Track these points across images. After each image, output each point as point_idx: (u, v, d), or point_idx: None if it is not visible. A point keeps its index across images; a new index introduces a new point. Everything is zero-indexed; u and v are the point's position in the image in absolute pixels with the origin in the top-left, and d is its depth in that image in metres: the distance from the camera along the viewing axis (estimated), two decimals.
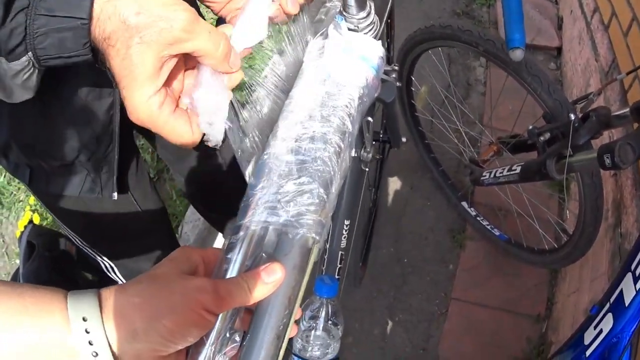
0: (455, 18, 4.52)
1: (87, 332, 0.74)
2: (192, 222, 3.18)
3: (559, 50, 4.10)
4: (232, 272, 0.85)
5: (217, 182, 2.31)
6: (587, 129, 1.96)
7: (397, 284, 3.15)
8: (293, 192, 0.87)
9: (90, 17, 0.79)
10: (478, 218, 3.19)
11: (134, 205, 1.86)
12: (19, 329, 0.73)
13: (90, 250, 1.99)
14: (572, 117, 1.99)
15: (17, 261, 2.52)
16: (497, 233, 3.08)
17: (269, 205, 0.86)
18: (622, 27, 2.81)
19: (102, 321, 0.75)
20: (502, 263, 3.15)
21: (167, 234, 2.20)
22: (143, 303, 0.76)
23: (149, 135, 2.09)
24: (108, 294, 0.78)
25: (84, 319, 0.74)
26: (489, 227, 3.13)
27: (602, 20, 3.17)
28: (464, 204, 3.26)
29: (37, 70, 0.86)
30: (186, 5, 0.82)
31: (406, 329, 3.00)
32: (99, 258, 2.02)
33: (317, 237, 0.87)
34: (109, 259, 2.03)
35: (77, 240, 1.94)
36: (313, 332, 1.45)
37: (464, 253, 3.22)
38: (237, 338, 0.83)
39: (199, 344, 0.80)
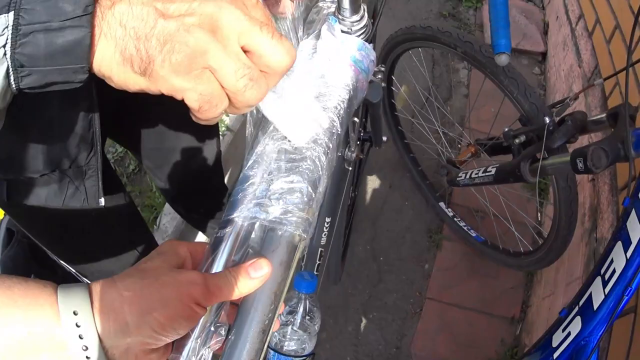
0: (441, 20, 4.54)
1: (78, 326, 0.74)
2: (170, 214, 3.17)
3: (544, 55, 4.12)
4: (219, 266, 0.86)
5: (198, 185, 2.31)
6: (562, 132, 1.97)
7: (372, 282, 3.16)
8: (282, 190, 0.88)
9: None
10: (455, 219, 3.20)
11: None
12: (8, 322, 0.73)
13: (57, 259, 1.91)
14: (547, 120, 2.00)
15: None
16: (474, 234, 3.10)
17: (258, 201, 0.87)
18: (605, 34, 2.83)
19: (93, 315, 0.75)
20: (478, 264, 3.16)
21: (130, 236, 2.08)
22: (134, 297, 0.77)
23: (129, 142, 2.08)
24: (98, 287, 0.78)
25: (75, 313, 0.74)
26: (465, 228, 3.14)
27: (586, 26, 3.19)
28: (442, 204, 3.27)
29: (6, 68, 0.69)
30: None
31: (380, 326, 3.01)
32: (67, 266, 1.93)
33: (304, 235, 0.88)
34: (67, 262, 1.94)
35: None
36: (290, 327, 1.45)
37: (440, 253, 3.24)
38: (223, 332, 0.84)
39: (184, 337, 0.81)
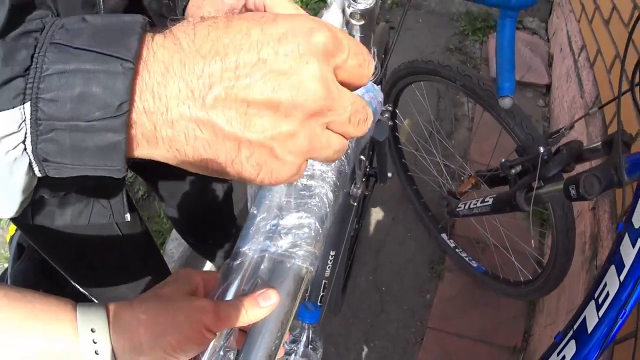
0: (448, 54, 4.57)
1: (95, 342, 0.78)
2: (177, 240, 3.21)
3: (548, 87, 4.14)
4: (230, 294, 0.89)
5: (209, 217, 2.33)
6: (556, 161, 1.99)
7: (374, 312, 3.17)
8: (292, 225, 0.91)
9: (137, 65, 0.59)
10: (457, 250, 3.22)
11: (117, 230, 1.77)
12: (28, 335, 0.76)
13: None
14: (542, 149, 2.02)
15: (6, 265, 2.53)
16: (475, 265, 3.11)
17: (268, 235, 0.91)
18: (605, 64, 2.86)
19: (109, 333, 0.79)
20: (479, 295, 3.16)
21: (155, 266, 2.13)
22: (149, 320, 0.81)
23: (142, 168, 2.11)
24: (116, 308, 0.82)
25: (92, 330, 0.79)
26: (467, 258, 3.16)
27: (588, 57, 3.21)
28: (444, 235, 3.29)
29: (28, 164, 0.60)
30: None
31: (382, 355, 3.01)
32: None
33: (311, 268, 0.91)
34: (80, 285, 1.96)
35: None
36: (293, 355, 1.47)
37: (442, 284, 3.24)
38: (231, 356, 0.88)
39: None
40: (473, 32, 4.75)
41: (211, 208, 2.30)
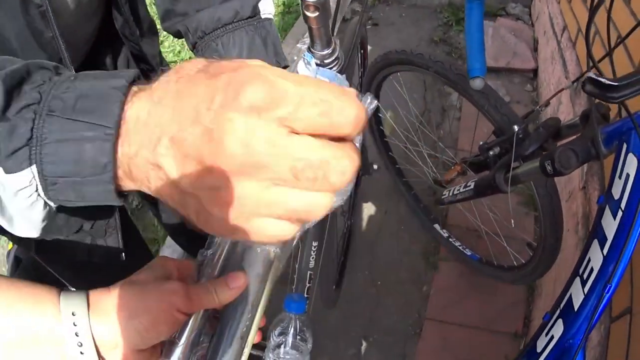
0: (432, 45, 4.57)
1: (75, 325, 0.82)
2: (171, 247, 3.24)
3: (535, 71, 4.15)
4: (204, 280, 0.92)
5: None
6: (533, 139, 1.99)
7: (371, 306, 3.17)
8: None
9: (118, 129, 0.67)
10: (450, 239, 3.22)
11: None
12: (13, 315, 0.80)
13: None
14: (516, 128, 2.02)
15: None
16: (469, 253, 3.11)
17: None
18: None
19: (89, 317, 0.83)
20: (476, 283, 3.16)
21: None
22: (122, 303, 0.84)
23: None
24: (96, 294, 0.86)
25: (73, 314, 0.82)
26: (461, 247, 3.15)
27: (570, 37, 3.23)
28: (437, 226, 3.29)
29: (44, 202, 0.74)
30: None
31: (381, 349, 3.01)
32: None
33: (278, 251, 0.93)
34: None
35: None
36: (282, 347, 1.48)
37: (437, 274, 3.25)
38: (207, 340, 0.91)
39: (172, 344, 0.88)
40: (457, 23, 4.77)
41: None
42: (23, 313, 0.81)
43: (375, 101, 1.09)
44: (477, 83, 1.72)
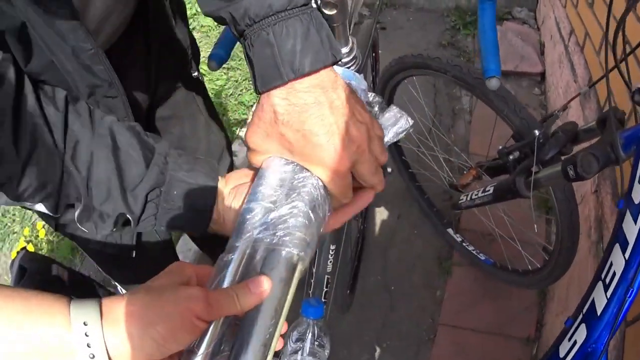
0: (441, 49, 4.57)
1: (87, 335, 0.79)
2: (182, 253, 3.24)
3: (543, 75, 4.14)
4: (224, 286, 0.89)
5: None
6: (552, 144, 1.98)
7: (385, 311, 3.16)
8: (283, 215, 0.93)
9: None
10: (464, 244, 3.20)
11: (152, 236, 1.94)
12: (22, 328, 0.78)
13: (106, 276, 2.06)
14: (537, 133, 2.01)
15: None
16: (483, 258, 3.09)
17: (262, 227, 0.92)
18: (594, 46, 2.87)
19: (102, 326, 0.80)
20: (489, 287, 3.15)
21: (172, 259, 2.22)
22: (138, 311, 0.81)
23: None
24: (109, 302, 0.83)
25: (85, 323, 0.79)
26: (475, 252, 3.14)
27: (577, 41, 3.22)
28: (450, 230, 3.28)
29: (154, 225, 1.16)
30: None
31: (395, 354, 3.00)
32: (114, 284, 2.15)
33: (302, 254, 0.91)
34: (120, 283, 2.14)
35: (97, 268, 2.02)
36: (300, 354, 1.46)
37: (451, 279, 3.23)
38: (227, 348, 0.86)
39: (191, 353, 0.84)
40: (464, 27, 4.76)
41: None
42: (29, 324, 0.79)
43: (411, 121, 1.11)
44: (493, 83, 1.71)
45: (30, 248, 3.78)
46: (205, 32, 5.08)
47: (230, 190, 1.13)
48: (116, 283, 2.15)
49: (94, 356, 0.79)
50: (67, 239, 3.88)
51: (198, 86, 1.92)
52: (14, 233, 4.17)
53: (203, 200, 1.11)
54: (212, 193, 1.11)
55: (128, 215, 1.12)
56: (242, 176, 1.15)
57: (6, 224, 4.25)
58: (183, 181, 1.12)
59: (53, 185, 1.07)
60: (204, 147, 2.06)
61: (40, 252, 3.62)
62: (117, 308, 0.82)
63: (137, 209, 1.10)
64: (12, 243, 4.11)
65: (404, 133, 1.25)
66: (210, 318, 0.84)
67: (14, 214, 4.29)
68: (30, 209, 1.32)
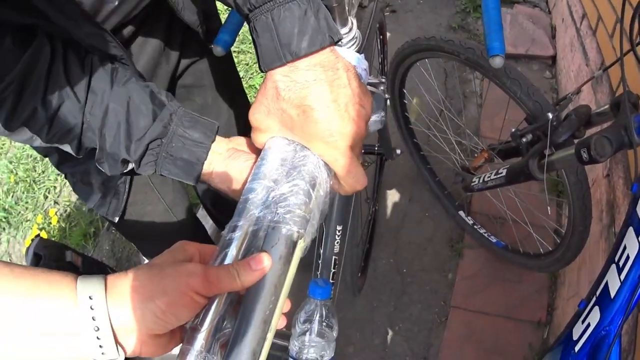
0: (451, 32, 4.56)
1: (92, 309, 0.82)
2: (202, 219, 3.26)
3: (554, 58, 4.12)
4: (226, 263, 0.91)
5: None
6: (566, 126, 1.98)
7: (397, 294, 3.17)
8: (284, 193, 0.95)
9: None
10: (475, 226, 3.20)
11: (169, 214, 2.05)
12: (30, 301, 0.80)
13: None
14: (550, 115, 2.01)
15: None
16: (494, 240, 3.10)
17: (264, 206, 0.94)
18: (607, 30, 2.85)
19: (106, 300, 0.83)
20: (501, 270, 3.15)
21: (196, 233, 2.35)
22: (139, 286, 0.84)
23: None
24: (113, 278, 0.86)
25: (90, 297, 0.82)
26: (486, 235, 3.14)
27: (590, 25, 3.20)
28: (462, 213, 3.28)
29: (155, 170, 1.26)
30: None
31: (407, 338, 3.01)
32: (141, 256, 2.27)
33: (302, 231, 0.94)
34: (144, 255, 2.30)
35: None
36: (308, 334, 1.47)
37: (462, 262, 3.24)
38: (230, 325, 0.89)
39: (194, 330, 0.86)
40: (474, 9, 4.73)
41: None
42: (37, 298, 0.81)
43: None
44: (497, 61, 1.70)
45: (44, 235, 3.79)
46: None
47: (228, 149, 1.22)
48: (144, 257, 2.27)
49: (98, 329, 0.82)
50: (79, 225, 3.92)
51: (224, 58, 1.93)
52: (27, 221, 4.19)
53: (195, 154, 1.21)
54: (204, 149, 1.21)
55: (130, 160, 1.25)
56: (243, 143, 1.24)
57: (19, 212, 4.27)
58: (182, 136, 1.22)
59: (75, 132, 1.23)
60: (224, 120, 2.11)
61: (53, 239, 3.64)
62: (120, 283, 0.85)
63: (137, 155, 1.22)
64: (25, 231, 4.14)
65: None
66: (208, 293, 0.86)
67: (26, 202, 4.32)
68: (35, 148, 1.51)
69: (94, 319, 0.82)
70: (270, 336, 0.89)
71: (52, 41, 1.20)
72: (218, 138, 1.25)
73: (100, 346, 0.83)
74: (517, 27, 4.34)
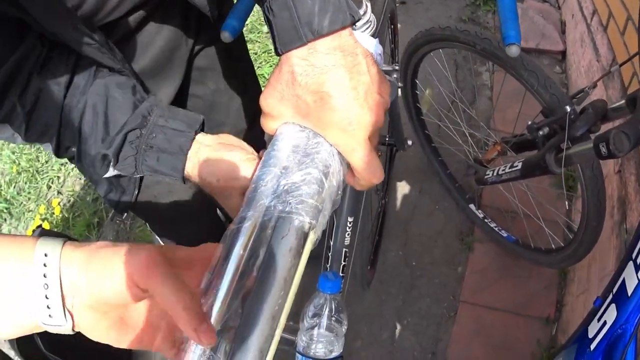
0: (461, 24, 4.54)
1: (45, 266, 0.80)
2: None
3: (564, 54, 4.12)
4: (232, 259, 0.86)
5: None
6: (583, 120, 1.96)
7: (406, 288, 3.15)
8: (295, 182, 0.91)
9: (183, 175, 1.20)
10: (486, 220, 3.19)
11: (187, 191, 1.99)
12: None
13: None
14: (568, 109, 1.99)
15: None
16: (505, 235, 3.08)
17: (274, 195, 0.90)
18: (619, 27, 2.86)
19: (59, 262, 0.81)
20: (511, 265, 3.14)
21: (212, 218, 2.30)
22: (92, 259, 0.82)
23: None
24: (73, 245, 0.84)
25: (45, 255, 0.80)
26: (496, 229, 3.13)
27: (600, 21, 3.20)
28: (472, 206, 3.26)
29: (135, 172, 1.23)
30: (247, 162, 1.13)
31: (415, 332, 3.00)
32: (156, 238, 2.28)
33: (314, 222, 0.90)
34: (160, 237, 2.24)
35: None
36: (316, 329, 1.45)
37: (472, 255, 3.22)
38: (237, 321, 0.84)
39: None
40: (484, 2, 4.73)
41: None
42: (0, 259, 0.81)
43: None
44: (513, 50, 1.68)
45: (46, 226, 3.79)
46: None
47: (217, 143, 1.19)
48: (158, 237, 2.24)
49: (47, 286, 0.80)
50: (82, 216, 3.91)
51: (238, 44, 1.92)
52: (29, 211, 4.18)
53: (178, 143, 1.18)
54: (188, 139, 1.18)
55: (108, 154, 1.20)
56: (232, 140, 1.21)
57: (21, 202, 4.26)
58: (163, 126, 1.19)
59: (53, 131, 1.22)
60: (236, 106, 2.07)
61: (56, 230, 3.63)
62: (77, 250, 0.83)
63: (115, 147, 1.18)
64: (27, 221, 4.12)
65: None
66: (146, 287, 0.81)
67: (29, 192, 4.30)
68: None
69: (45, 276, 0.80)
70: (278, 333, 0.84)
71: (41, 39, 1.18)
72: (204, 133, 1.24)
73: (48, 307, 0.80)
74: (528, 22, 4.33)
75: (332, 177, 0.95)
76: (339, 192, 0.99)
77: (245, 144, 1.23)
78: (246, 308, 0.82)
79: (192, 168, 1.18)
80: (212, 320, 0.81)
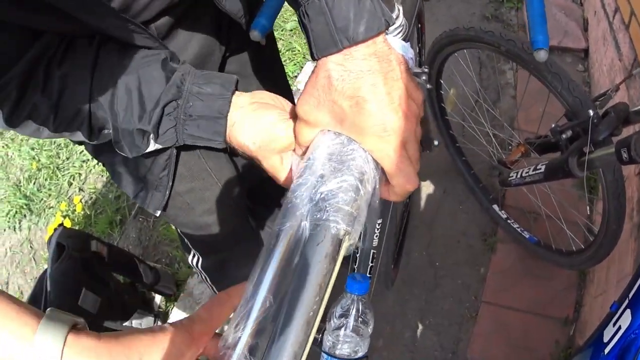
0: (484, 22, 4.53)
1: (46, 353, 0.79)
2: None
3: (586, 51, 4.10)
4: (267, 276, 0.87)
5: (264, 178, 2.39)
6: (605, 124, 1.96)
7: (429, 287, 3.16)
8: (332, 189, 0.92)
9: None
10: (509, 221, 3.18)
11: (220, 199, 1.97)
12: None
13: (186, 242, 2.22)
14: (591, 113, 1.99)
15: (46, 266, 2.57)
16: (527, 236, 3.07)
17: (311, 203, 0.91)
18: None
19: (62, 351, 0.80)
20: (532, 266, 3.14)
21: (243, 225, 2.28)
22: (104, 343, 0.83)
23: None
24: (79, 333, 0.83)
25: (47, 342, 0.79)
26: (519, 230, 3.12)
27: (622, 19, 3.18)
28: (495, 207, 3.26)
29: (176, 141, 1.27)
30: (283, 122, 1.14)
31: (437, 332, 3.00)
32: (193, 251, 2.28)
33: (349, 229, 0.90)
34: (195, 250, 2.26)
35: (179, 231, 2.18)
36: (343, 329, 1.45)
37: (495, 256, 3.22)
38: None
39: (236, 331, 0.84)
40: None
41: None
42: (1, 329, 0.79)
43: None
44: (541, 55, 1.68)
45: (67, 223, 3.80)
46: None
47: (252, 103, 1.20)
48: (191, 246, 2.25)
49: None
50: (105, 213, 3.92)
51: (269, 49, 1.93)
52: (49, 208, 4.20)
53: (216, 107, 1.19)
54: (226, 101, 1.19)
55: (147, 129, 1.23)
56: (267, 97, 1.24)
57: (41, 199, 4.28)
58: (199, 92, 1.21)
59: (83, 115, 1.23)
60: None
61: (77, 227, 3.64)
62: (84, 341, 0.82)
63: (154, 122, 1.21)
64: (48, 218, 4.15)
65: None
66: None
67: (49, 189, 4.33)
68: (72, 140, 1.47)
69: None
70: (311, 338, 0.86)
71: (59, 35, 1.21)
72: (238, 92, 1.24)
73: None
74: (550, 19, 4.30)
75: (367, 183, 0.96)
76: (375, 200, 0.99)
77: (280, 99, 1.25)
78: (282, 312, 0.84)
79: (228, 131, 1.21)
80: (250, 323, 0.83)
